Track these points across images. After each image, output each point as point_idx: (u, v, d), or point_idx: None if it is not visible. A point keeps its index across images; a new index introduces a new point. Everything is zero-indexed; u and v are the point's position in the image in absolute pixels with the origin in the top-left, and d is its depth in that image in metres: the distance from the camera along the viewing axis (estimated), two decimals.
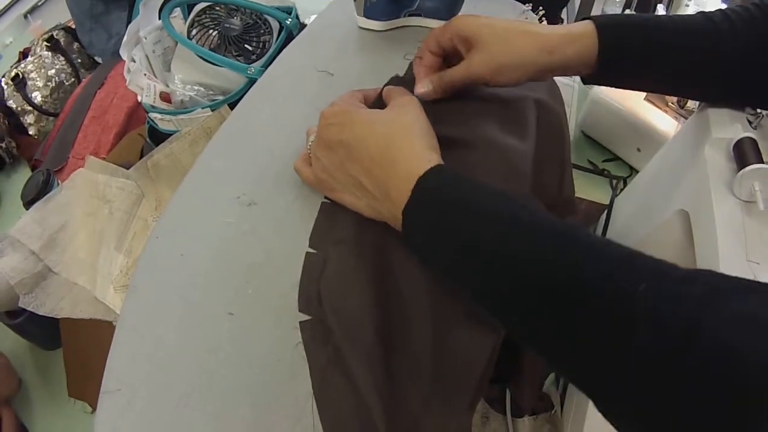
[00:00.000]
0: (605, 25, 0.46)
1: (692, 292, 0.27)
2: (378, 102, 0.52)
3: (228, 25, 0.75)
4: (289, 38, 0.75)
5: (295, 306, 0.45)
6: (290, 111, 0.60)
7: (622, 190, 0.77)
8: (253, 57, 0.75)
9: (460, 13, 0.65)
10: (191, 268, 0.49)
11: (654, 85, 0.53)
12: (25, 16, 1.66)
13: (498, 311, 0.36)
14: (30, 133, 1.13)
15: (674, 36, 0.46)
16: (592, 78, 0.49)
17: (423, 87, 0.51)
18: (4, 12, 1.67)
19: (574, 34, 0.46)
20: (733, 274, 0.34)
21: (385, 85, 0.54)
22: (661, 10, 1.09)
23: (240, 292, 0.47)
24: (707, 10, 0.48)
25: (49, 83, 1.13)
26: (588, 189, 0.82)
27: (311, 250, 0.47)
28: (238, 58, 0.73)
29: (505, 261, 0.34)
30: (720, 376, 0.24)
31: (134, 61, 0.72)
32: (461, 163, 0.46)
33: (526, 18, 0.65)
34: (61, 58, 1.16)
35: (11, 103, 1.12)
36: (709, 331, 0.25)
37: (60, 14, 1.50)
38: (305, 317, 0.44)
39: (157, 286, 0.49)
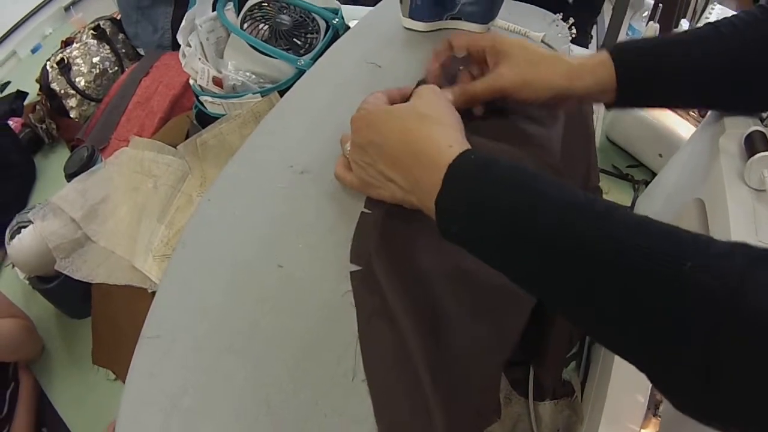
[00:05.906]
0: (619, 52, 0.50)
1: (734, 265, 0.28)
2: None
3: (279, 20, 0.80)
4: (335, 37, 0.81)
5: (344, 260, 0.48)
6: (340, 95, 0.64)
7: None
8: (302, 51, 0.80)
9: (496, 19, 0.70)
10: (242, 226, 0.53)
11: (673, 99, 0.55)
12: (66, 9, 1.73)
13: (538, 291, 0.36)
14: (71, 116, 1.17)
15: (683, 48, 0.49)
16: (613, 103, 0.52)
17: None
18: (46, 4, 1.74)
19: (591, 63, 0.50)
20: None
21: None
22: (684, 24, 1.15)
23: (290, 247, 0.50)
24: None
25: (93, 69, 1.18)
26: (612, 192, 0.87)
27: (366, 210, 0.51)
28: (288, 51, 0.79)
29: (542, 241, 0.34)
30: (762, 342, 0.26)
31: (189, 46, 0.78)
32: (488, 149, 0.49)
33: (557, 26, 0.70)
34: (106, 47, 1.21)
35: (55, 86, 1.16)
36: (751, 300, 0.27)
37: (100, 8, 1.57)
38: (355, 268, 0.47)
39: (207, 241, 0.52)
